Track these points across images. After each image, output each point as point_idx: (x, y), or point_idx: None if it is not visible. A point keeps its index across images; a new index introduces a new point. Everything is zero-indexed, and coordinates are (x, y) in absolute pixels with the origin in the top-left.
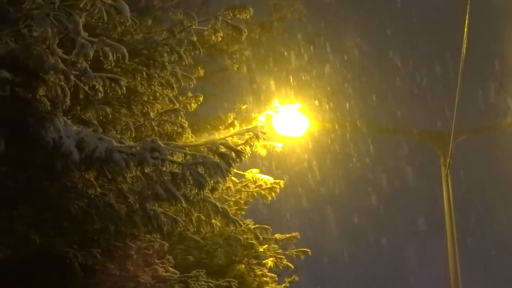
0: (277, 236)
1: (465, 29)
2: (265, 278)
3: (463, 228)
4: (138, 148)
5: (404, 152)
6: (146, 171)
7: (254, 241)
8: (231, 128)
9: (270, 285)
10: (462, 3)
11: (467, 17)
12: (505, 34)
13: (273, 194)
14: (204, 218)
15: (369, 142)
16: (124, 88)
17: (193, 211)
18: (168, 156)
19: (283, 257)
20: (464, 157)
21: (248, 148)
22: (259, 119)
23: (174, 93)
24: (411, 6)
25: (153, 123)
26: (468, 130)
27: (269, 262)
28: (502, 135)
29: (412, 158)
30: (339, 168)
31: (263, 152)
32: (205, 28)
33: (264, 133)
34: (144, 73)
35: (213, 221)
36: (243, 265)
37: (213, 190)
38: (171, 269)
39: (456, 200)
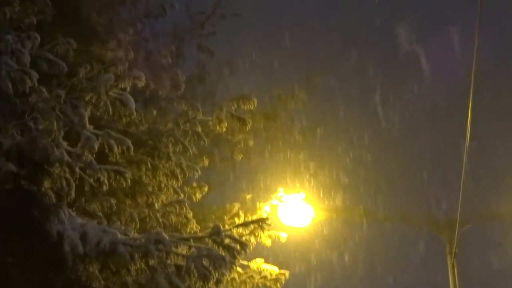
0: None
1: (468, 123)
2: None
3: None
4: (143, 240)
5: (412, 239)
6: (150, 263)
7: None
8: (236, 218)
9: None
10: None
11: (469, 110)
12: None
13: (278, 285)
14: None
15: (375, 230)
16: (129, 180)
17: None
18: (173, 248)
19: None
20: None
21: (252, 239)
22: (264, 209)
23: (179, 184)
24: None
25: (158, 214)
26: (475, 218)
27: None
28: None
29: (420, 245)
30: (345, 257)
31: (268, 242)
32: (210, 118)
33: (269, 225)
34: (149, 164)
35: None
36: None
37: (218, 282)
38: None
39: None
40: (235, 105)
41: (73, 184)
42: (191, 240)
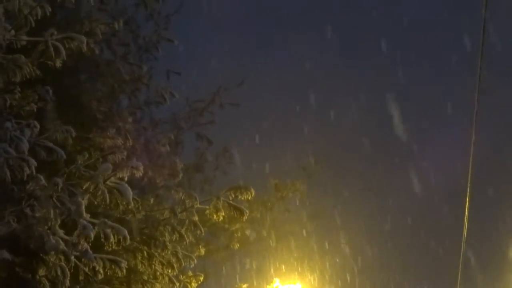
0: None
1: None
2: None
3: None
4: None
5: None
6: None
7: None
8: None
9: None
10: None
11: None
12: None
13: None
14: None
15: None
16: (124, 269)
17: None
18: None
19: None
20: None
21: None
22: None
23: (175, 273)
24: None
25: None
26: None
27: None
28: None
29: None
30: None
31: None
32: (207, 207)
33: None
34: (145, 252)
35: None
36: None
37: None
38: None
39: None
40: (233, 195)
41: (68, 273)
42: None
